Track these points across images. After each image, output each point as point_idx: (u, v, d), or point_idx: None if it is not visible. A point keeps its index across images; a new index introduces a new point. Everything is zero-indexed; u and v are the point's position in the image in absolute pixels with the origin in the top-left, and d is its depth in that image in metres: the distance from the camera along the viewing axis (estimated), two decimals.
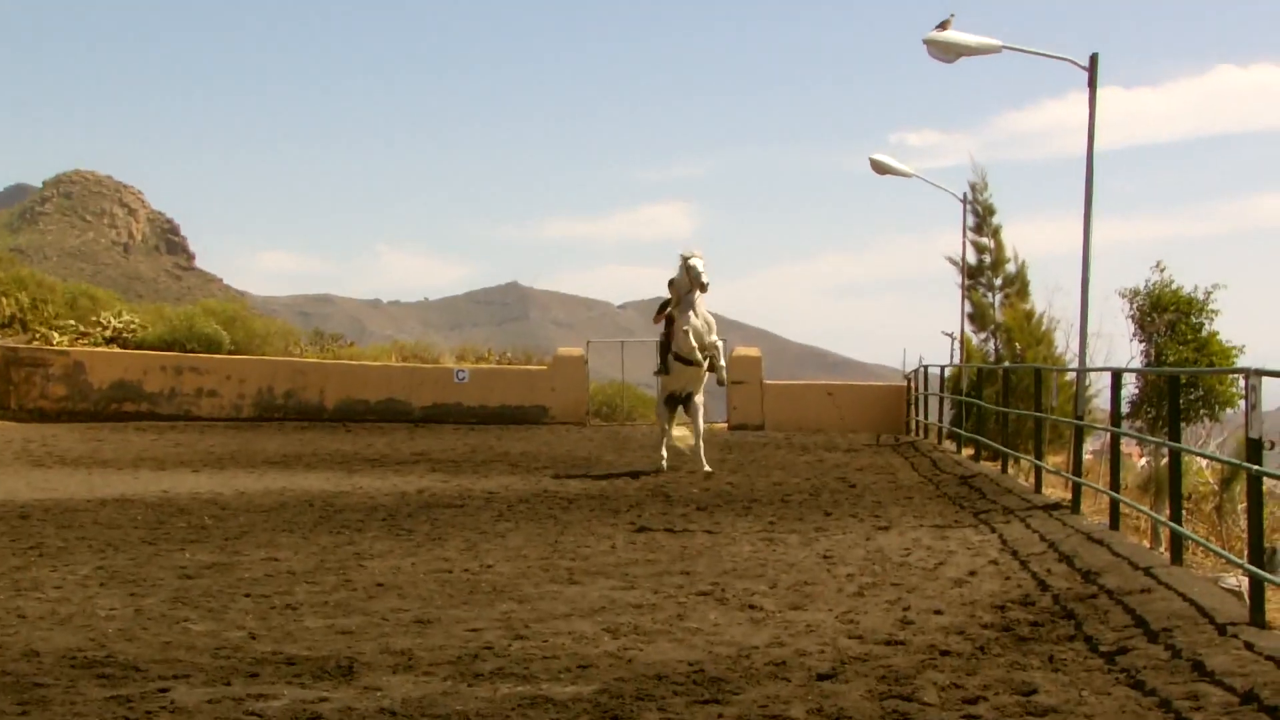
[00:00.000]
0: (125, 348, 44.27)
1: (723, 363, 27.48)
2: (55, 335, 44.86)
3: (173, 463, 29.08)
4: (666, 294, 26.55)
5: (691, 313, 26.07)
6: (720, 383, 28.00)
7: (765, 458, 30.86)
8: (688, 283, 26.13)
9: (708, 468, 26.73)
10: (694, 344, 25.90)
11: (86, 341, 44.70)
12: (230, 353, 44.04)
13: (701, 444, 27.33)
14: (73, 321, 46.25)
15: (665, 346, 26.84)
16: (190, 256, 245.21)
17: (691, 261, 25.95)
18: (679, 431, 28.12)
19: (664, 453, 27.34)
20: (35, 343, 44.08)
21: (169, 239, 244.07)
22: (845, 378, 71.76)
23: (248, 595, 13.49)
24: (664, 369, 27.13)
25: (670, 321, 26.68)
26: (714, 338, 26.68)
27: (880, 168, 39.98)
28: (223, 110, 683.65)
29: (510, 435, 38.06)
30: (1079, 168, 22.80)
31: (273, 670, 10.24)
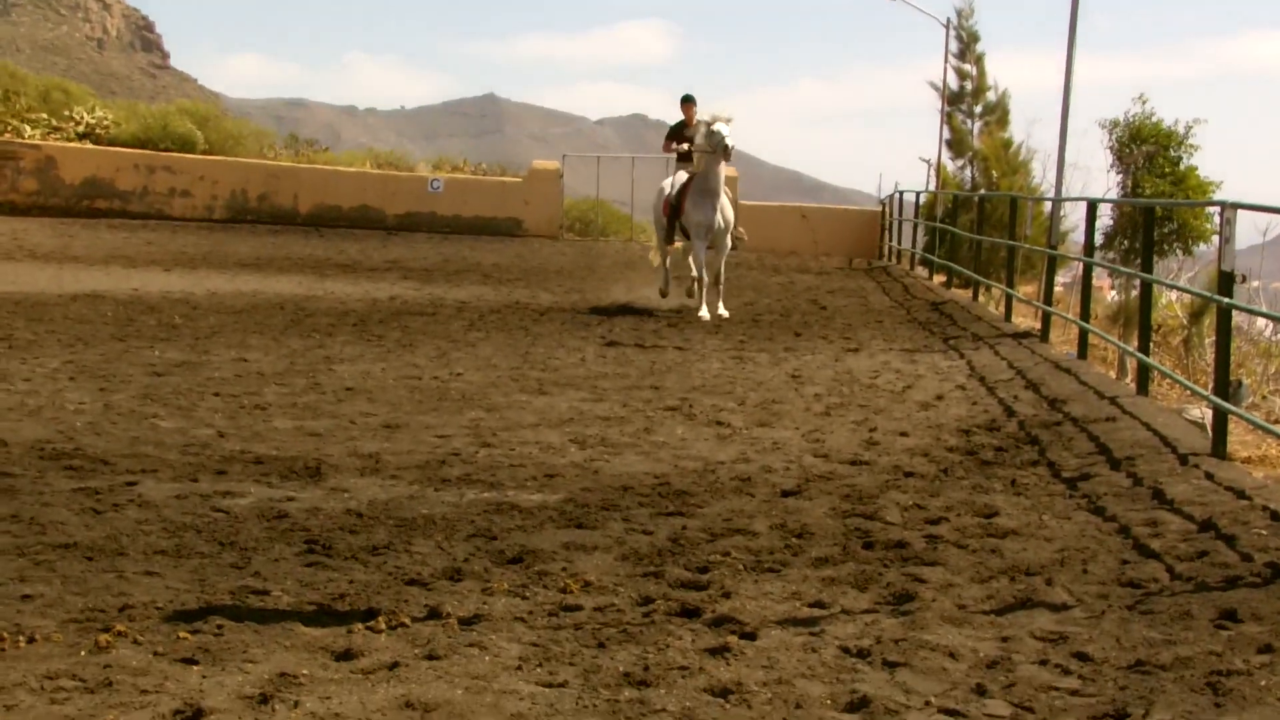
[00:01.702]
0: (98, 144, 43.87)
1: (741, 230, 24.43)
2: (27, 129, 44.37)
3: (144, 261, 29.03)
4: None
5: (722, 188, 22.61)
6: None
7: (737, 278, 30.82)
8: (708, 147, 22.18)
9: (724, 312, 22.86)
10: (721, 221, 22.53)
11: (59, 136, 44.24)
12: (204, 154, 43.71)
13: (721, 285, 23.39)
14: (45, 115, 45.73)
15: (675, 212, 23.10)
16: (165, 55, 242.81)
17: (716, 127, 22.02)
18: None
19: (665, 276, 23.97)
20: (6, 135, 43.60)
21: (144, 36, 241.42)
22: (821, 202, 71.44)
23: (217, 394, 13.51)
24: (668, 238, 23.87)
25: (685, 189, 22.82)
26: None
27: None
28: None
29: (483, 246, 38.00)
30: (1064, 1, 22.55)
31: (240, 468, 10.27)
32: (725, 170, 23.02)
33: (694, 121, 23.20)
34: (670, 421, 12.96)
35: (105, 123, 45.06)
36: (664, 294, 23.87)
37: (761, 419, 13.24)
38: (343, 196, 42.47)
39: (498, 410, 13.24)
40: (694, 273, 23.16)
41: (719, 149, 22.05)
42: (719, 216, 22.48)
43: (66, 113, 45.89)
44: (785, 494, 9.96)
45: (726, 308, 23.06)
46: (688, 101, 23.93)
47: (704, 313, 22.27)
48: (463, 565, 7.81)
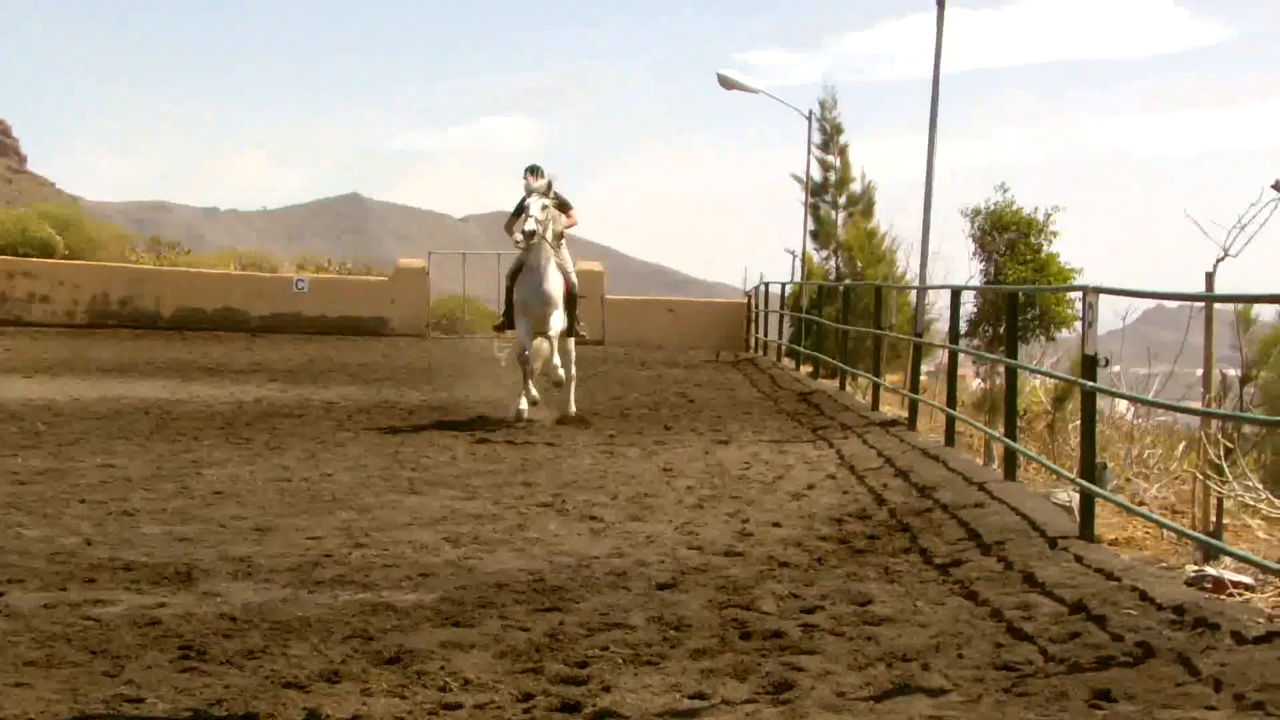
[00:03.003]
0: None
1: (582, 325, 22.15)
2: None
3: (3, 369, 28.62)
4: (508, 209, 23.21)
5: (548, 267, 20.37)
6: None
7: (606, 373, 30.95)
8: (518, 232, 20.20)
9: (573, 408, 21.44)
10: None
11: None
12: (64, 258, 43.34)
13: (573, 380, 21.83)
14: None
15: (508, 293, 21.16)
16: (22, 159, 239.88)
17: (527, 202, 20.12)
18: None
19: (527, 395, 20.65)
20: None
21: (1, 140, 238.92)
22: (687, 295, 71.97)
23: (83, 501, 13.34)
24: (506, 322, 21.53)
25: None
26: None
27: (727, 83, 40.17)
28: (57, 8, 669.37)
29: (350, 346, 37.87)
30: (924, 90, 22.95)
31: (110, 576, 10.14)
32: (559, 253, 20.75)
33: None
34: (543, 517, 12.98)
35: None
36: (533, 403, 20.55)
37: (634, 513, 13.29)
38: (206, 299, 42.19)
39: (370, 510, 13.19)
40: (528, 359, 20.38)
41: (523, 233, 19.84)
42: (541, 295, 20.17)
43: None
44: (661, 587, 9.99)
45: (578, 405, 21.48)
46: (531, 172, 20.64)
47: (521, 404, 20.26)
48: (340, 667, 7.77)
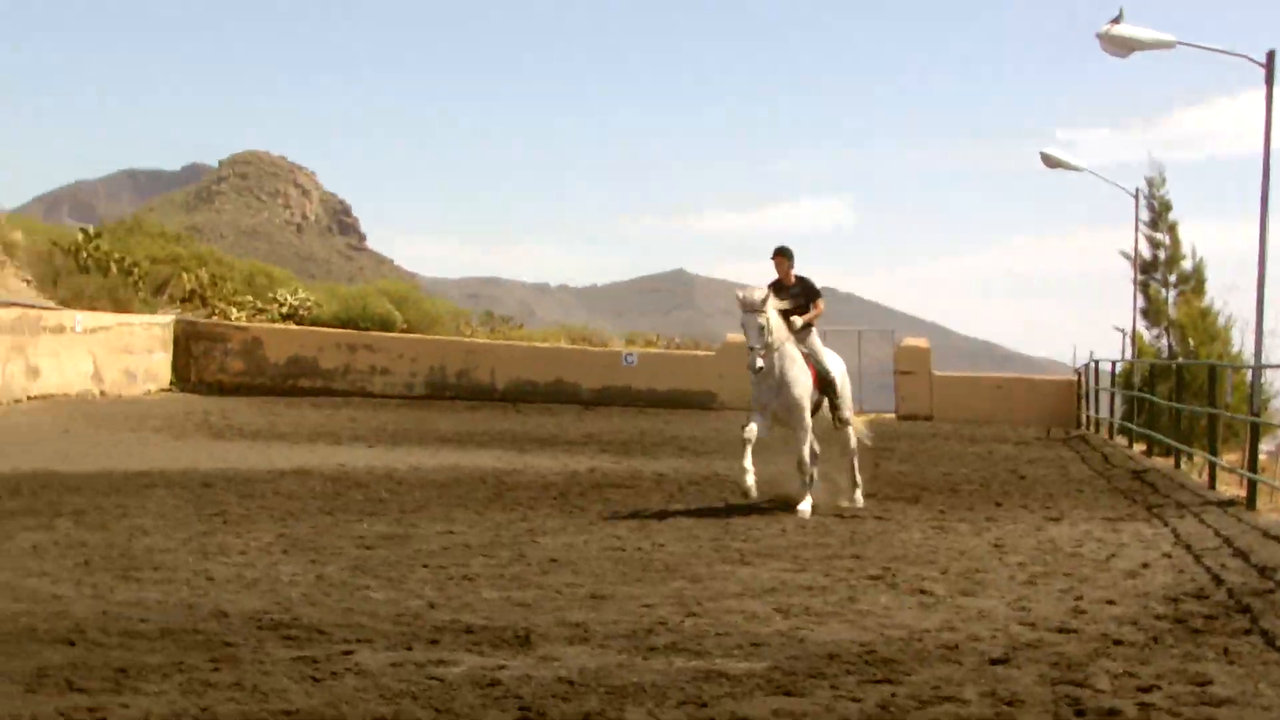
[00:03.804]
0: (301, 325, 45.12)
1: (860, 426, 21.23)
2: (234, 311, 45.82)
3: (348, 437, 29.62)
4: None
5: (784, 366, 18.97)
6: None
7: (934, 448, 30.78)
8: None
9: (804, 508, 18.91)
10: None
11: (264, 318, 45.63)
12: (403, 332, 44.70)
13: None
14: (250, 298, 47.21)
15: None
16: (361, 237, 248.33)
17: (744, 325, 18.96)
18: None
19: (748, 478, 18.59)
20: (215, 318, 45.04)
21: (341, 220, 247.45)
22: (1014, 371, 71.04)
23: (425, 566, 13.76)
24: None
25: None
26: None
27: (1051, 162, 39.68)
28: (394, 96, 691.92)
29: (678, 419, 38.26)
30: (1255, 167, 22.39)
31: (452, 638, 10.45)
32: (807, 342, 19.49)
33: (790, 278, 19.71)
34: (873, 590, 12.96)
35: (307, 304, 46.42)
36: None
37: (965, 588, 13.19)
38: (539, 371, 43.11)
39: (701, 580, 13.33)
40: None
41: (754, 372, 18.76)
42: (779, 399, 19.01)
43: (270, 295, 47.33)
44: (994, 662, 9.92)
45: (816, 504, 19.07)
46: (780, 254, 19.82)
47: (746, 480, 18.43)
48: None
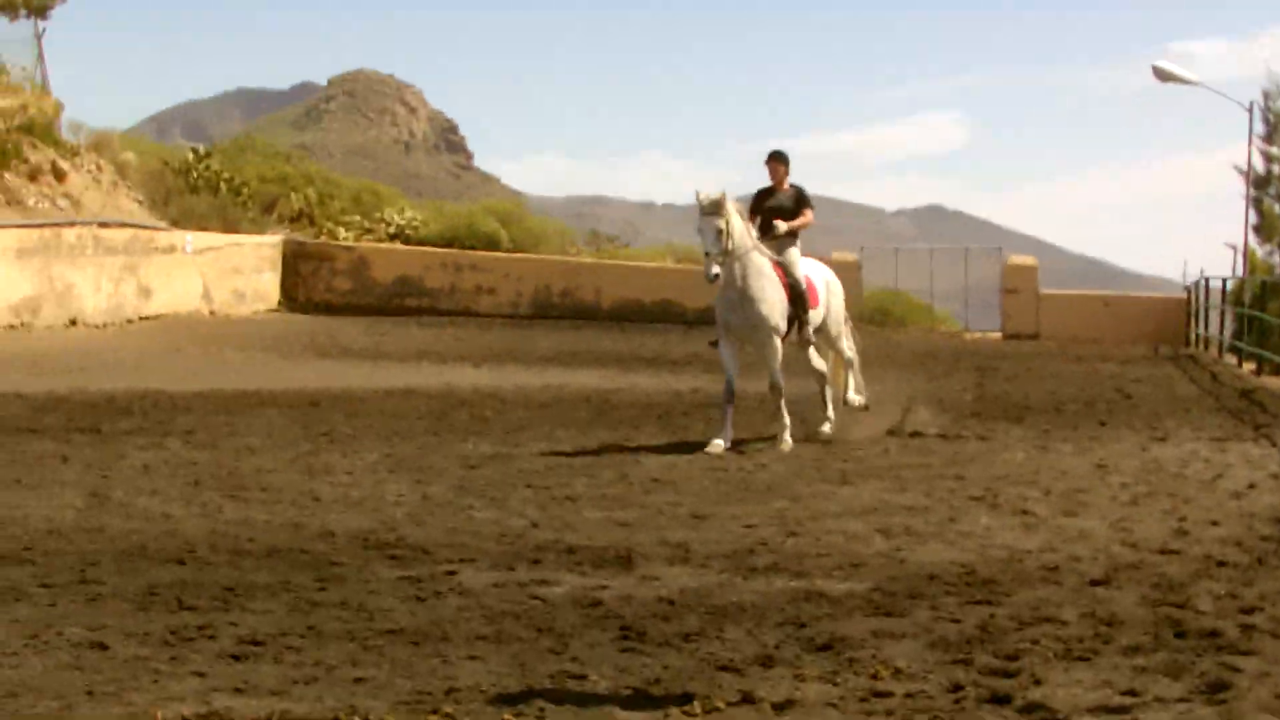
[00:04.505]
0: (408, 244, 45.35)
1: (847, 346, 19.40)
2: (341, 231, 46.14)
3: (453, 357, 29.85)
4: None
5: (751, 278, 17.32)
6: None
7: (1039, 367, 30.59)
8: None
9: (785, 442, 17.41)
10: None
11: (370, 237, 45.89)
12: (508, 251, 44.81)
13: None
14: (358, 218, 47.50)
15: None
16: (469, 156, 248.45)
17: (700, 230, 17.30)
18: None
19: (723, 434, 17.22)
20: (322, 238, 45.39)
21: (448, 138, 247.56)
22: (1122, 289, 70.35)
23: (528, 486, 13.88)
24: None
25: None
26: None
27: (1164, 75, 39.16)
28: (501, 11, 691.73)
29: None
30: None
31: (554, 558, 10.55)
32: (784, 254, 17.75)
33: (784, 185, 18.24)
34: (974, 511, 12.93)
35: (414, 223, 46.64)
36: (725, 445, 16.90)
37: (1067, 508, 13.13)
38: (644, 291, 43.06)
39: (802, 500, 13.36)
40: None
41: (708, 279, 17.25)
42: (743, 313, 17.42)
43: (377, 214, 47.58)
44: (1093, 583, 9.88)
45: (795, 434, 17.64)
46: (775, 159, 18.24)
47: (716, 442, 16.85)
48: (774, 652, 7.95)
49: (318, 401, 20.76)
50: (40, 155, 39.00)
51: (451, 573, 9.94)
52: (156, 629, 8.26)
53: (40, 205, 37.12)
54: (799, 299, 17.66)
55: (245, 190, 46.10)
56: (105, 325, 35.32)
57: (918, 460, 16.23)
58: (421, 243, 45.23)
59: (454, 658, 7.78)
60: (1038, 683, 7.35)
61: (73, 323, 34.67)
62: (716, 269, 16.87)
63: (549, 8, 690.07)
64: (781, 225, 17.74)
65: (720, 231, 16.85)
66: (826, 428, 18.25)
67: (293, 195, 48.05)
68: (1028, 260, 44.60)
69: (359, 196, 50.87)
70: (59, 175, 39.08)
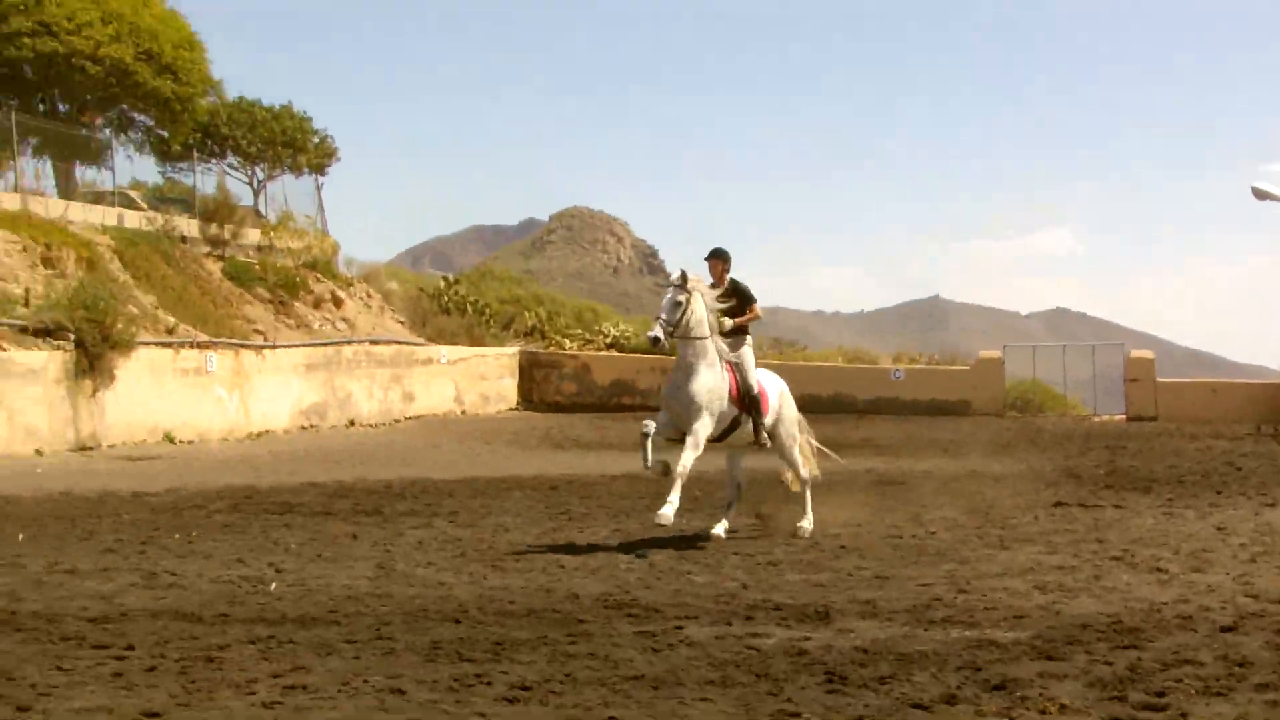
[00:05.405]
0: (621, 352, 45.82)
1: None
2: (566, 342, 46.81)
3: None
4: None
5: (699, 367, 14.99)
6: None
7: (1161, 445, 30.08)
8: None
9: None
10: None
11: (591, 347, 46.47)
12: None
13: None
14: (579, 330, 48.17)
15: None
16: (667, 276, 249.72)
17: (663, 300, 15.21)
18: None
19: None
20: (551, 348, 46.06)
21: (649, 262, 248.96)
22: (1228, 377, 68.95)
23: (736, 554, 13.97)
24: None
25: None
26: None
27: (1261, 194, 38.34)
28: (691, 151, 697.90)
29: (939, 425, 37.94)
30: None
31: (763, 614, 10.61)
32: (738, 352, 15.43)
33: (724, 282, 15.67)
34: (1116, 569, 12.79)
35: (626, 334, 47.13)
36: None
37: (1195, 565, 12.94)
38: (820, 386, 42.97)
39: (968, 562, 13.29)
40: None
41: (649, 339, 15.23)
42: (682, 396, 15.03)
43: (596, 328, 48.25)
44: (1224, 629, 9.76)
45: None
46: (715, 256, 15.83)
47: (663, 510, 14.28)
48: (956, 691, 7.96)
49: (556, 485, 21.05)
50: (322, 286, 40.24)
51: (679, 628, 10.04)
52: (443, 677, 8.46)
53: (323, 327, 38.25)
54: (752, 402, 15.49)
55: (487, 310, 47.15)
56: (378, 425, 36.15)
57: (1064, 526, 16.06)
58: (633, 351, 45.65)
59: (688, 699, 7.89)
60: (1184, 715, 7.31)
61: (351, 423, 35.54)
62: (659, 334, 14.65)
63: (724, 147, 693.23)
64: (728, 321, 15.29)
65: (679, 305, 14.73)
66: (805, 524, 15.80)
67: (526, 314, 49.03)
68: (1146, 354, 44.11)
69: (580, 314, 51.69)
70: (337, 302, 40.27)
